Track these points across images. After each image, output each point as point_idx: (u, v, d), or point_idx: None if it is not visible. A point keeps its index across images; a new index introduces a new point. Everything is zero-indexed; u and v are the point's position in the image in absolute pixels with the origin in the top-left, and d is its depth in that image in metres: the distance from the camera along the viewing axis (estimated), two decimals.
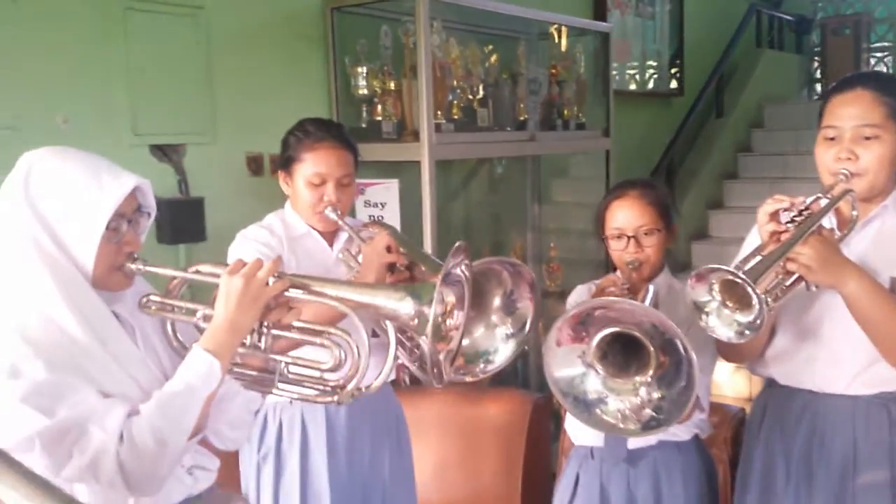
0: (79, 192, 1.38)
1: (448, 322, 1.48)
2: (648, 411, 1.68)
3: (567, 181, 4.88)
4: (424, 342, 1.38)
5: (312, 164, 2.07)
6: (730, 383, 4.33)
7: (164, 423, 1.30)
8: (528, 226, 4.57)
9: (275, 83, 3.18)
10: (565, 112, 4.21)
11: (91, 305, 1.40)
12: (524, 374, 4.20)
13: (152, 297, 1.51)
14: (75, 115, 2.58)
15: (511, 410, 2.99)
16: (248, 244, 2.08)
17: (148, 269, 1.47)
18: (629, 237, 1.94)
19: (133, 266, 1.46)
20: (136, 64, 2.74)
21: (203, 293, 1.54)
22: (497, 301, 1.89)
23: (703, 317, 1.64)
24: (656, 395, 1.68)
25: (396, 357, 1.51)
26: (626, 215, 1.96)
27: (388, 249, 1.94)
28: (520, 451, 2.91)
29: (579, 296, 2.04)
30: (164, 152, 2.87)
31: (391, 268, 1.95)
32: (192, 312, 1.48)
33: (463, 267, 1.50)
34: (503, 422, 2.98)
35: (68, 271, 1.38)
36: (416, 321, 1.39)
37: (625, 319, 1.66)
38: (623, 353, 1.71)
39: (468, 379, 1.72)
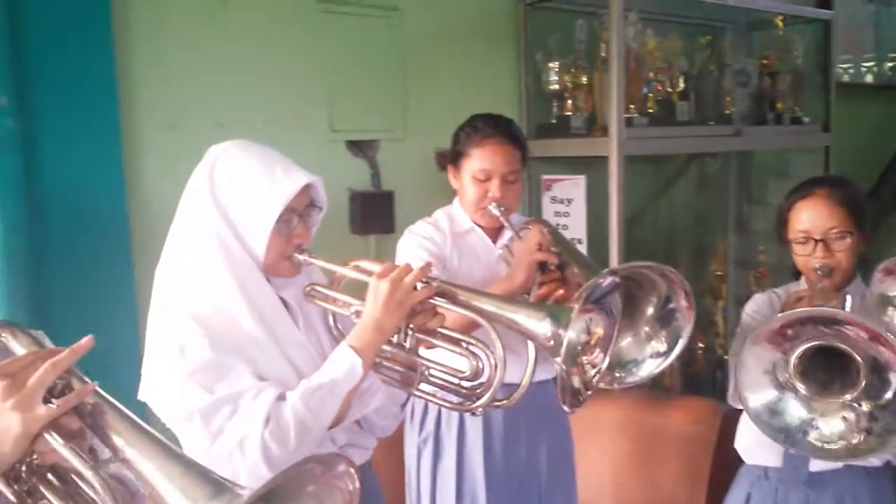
0: (254, 184, 1.48)
1: (586, 357, 1.43)
2: (860, 433, 1.52)
3: (783, 180, 4.52)
4: (557, 364, 1.35)
5: (479, 160, 2.08)
6: None
7: (306, 412, 1.36)
8: (732, 228, 4.31)
9: (465, 80, 3.22)
10: (778, 105, 3.92)
11: (260, 290, 1.49)
12: (722, 383, 3.96)
13: (316, 287, 1.59)
14: (276, 113, 2.76)
15: (698, 420, 2.83)
16: (413, 240, 2.13)
17: (312, 260, 1.54)
18: (817, 241, 1.77)
19: (300, 257, 1.53)
20: (333, 64, 2.89)
21: None
22: (650, 310, 1.78)
23: (890, 311, 1.47)
24: (869, 413, 1.52)
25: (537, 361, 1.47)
26: (812, 216, 1.78)
27: (540, 247, 1.90)
28: (705, 465, 2.75)
29: (757, 305, 1.88)
30: (360, 147, 3.00)
31: (542, 267, 1.91)
32: (348, 306, 1.53)
33: (613, 295, 1.44)
34: (688, 432, 2.83)
35: (242, 257, 1.48)
36: (551, 343, 1.36)
37: (829, 332, 1.51)
38: (825, 369, 1.56)
39: (601, 385, 1.63)
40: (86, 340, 0.93)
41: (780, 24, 3.94)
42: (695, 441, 2.80)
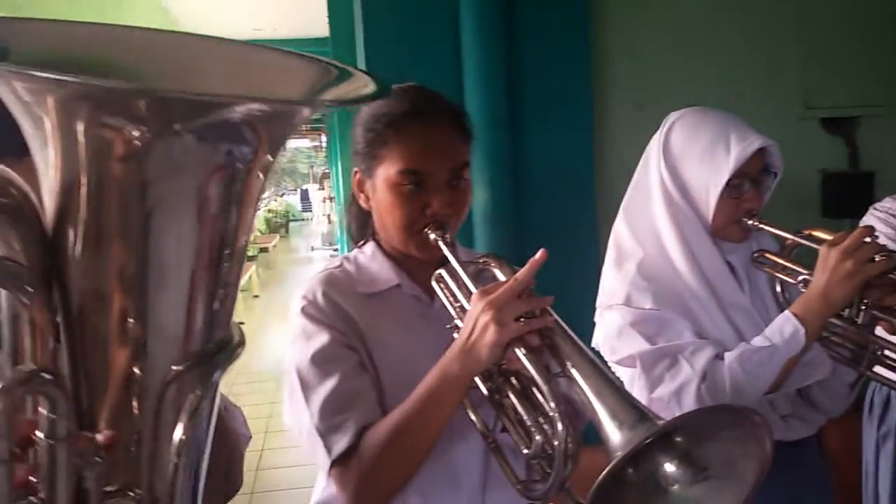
0: (706, 148, 1.50)
1: None
2: None
3: None
4: None
5: None
6: None
7: (741, 374, 1.37)
8: None
9: None
10: None
11: (705, 252, 1.53)
12: None
13: (765, 254, 1.56)
14: (747, 90, 2.72)
15: None
16: (877, 217, 1.93)
17: (762, 226, 1.52)
18: None
19: (750, 222, 1.52)
20: (811, 36, 2.75)
21: None
22: None
23: None
24: None
25: None
26: None
27: None
28: None
29: None
30: (835, 125, 2.81)
31: None
32: (796, 275, 1.48)
33: None
34: None
35: (689, 218, 1.52)
36: None
37: None
38: None
39: None
40: (540, 255, 1.10)
41: None
42: None
